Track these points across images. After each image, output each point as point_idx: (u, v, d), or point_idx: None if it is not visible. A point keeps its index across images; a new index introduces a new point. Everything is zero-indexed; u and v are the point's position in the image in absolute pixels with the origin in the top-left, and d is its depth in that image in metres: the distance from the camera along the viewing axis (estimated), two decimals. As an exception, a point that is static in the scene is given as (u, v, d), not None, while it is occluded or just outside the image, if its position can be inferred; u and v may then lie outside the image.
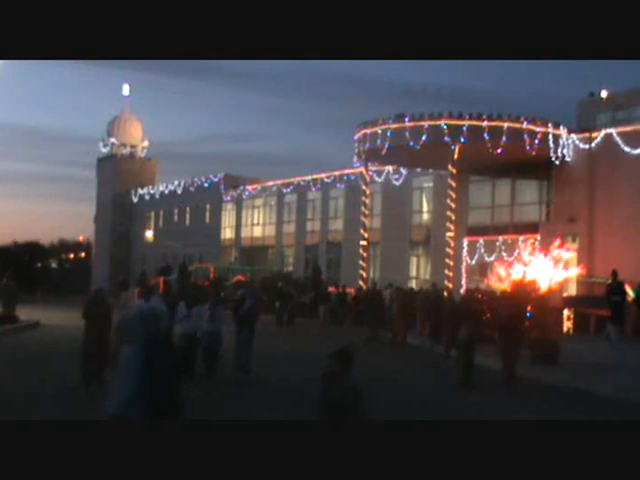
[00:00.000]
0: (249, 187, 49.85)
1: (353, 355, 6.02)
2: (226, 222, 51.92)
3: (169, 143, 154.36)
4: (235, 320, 14.83)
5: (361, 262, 33.96)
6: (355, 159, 33.19)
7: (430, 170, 35.93)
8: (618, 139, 28.20)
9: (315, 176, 44.38)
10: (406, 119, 29.52)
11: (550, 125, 29.25)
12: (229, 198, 51.27)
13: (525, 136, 28.54)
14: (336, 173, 42.87)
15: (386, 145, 29.96)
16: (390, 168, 38.50)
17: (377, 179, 38.94)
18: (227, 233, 51.81)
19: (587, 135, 29.75)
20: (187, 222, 55.62)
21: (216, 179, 52.55)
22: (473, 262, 33.35)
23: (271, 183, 48.12)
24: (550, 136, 29.18)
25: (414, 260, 38.61)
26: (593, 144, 29.28)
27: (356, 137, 32.00)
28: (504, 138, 28.13)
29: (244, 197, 50.08)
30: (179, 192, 55.95)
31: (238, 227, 50.70)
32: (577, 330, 25.58)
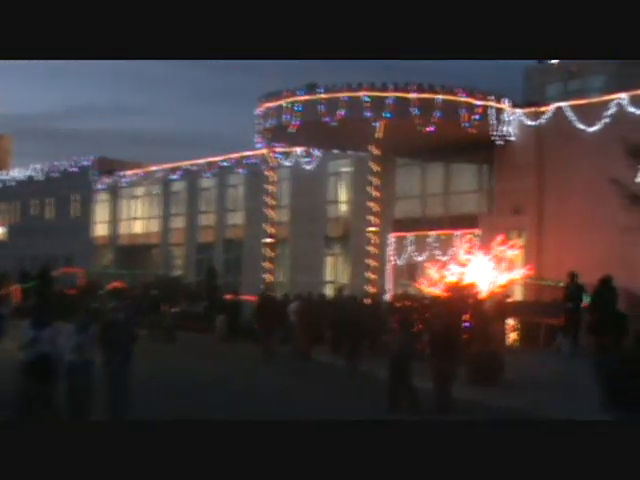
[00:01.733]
0: (128, 173, 49.09)
1: None
2: (99, 216, 51.02)
3: (26, 117, 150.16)
4: (102, 344, 13.31)
5: (266, 263, 33.71)
6: (257, 139, 32.91)
7: (349, 152, 35.98)
8: (571, 114, 28.79)
9: (209, 159, 43.98)
10: (319, 90, 29.45)
11: (491, 98, 29.66)
12: (103, 186, 50.37)
13: (462, 111, 28.87)
14: (235, 156, 42.58)
15: (295, 122, 29.80)
16: (300, 150, 38.39)
17: (285, 163, 38.78)
18: (100, 230, 50.93)
19: (535, 110, 30.31)
20: (49, 216, 54.36)
21: (86, 163, 51.52)
22: (400, 262, 33.57)
23: (155, 168, 47.49)
24: (491, 111, 29.61)
25: (330, 260, 38.65)
26: (542, 120, 29.83)
27: (258, 112, 31.73)
28: (437, 113, 28.38)
29: (122, 185, 49.27)
30: (38, 179, 54.62)
31: (114, 222, 49.88)
32: (524, 342, 26.01)
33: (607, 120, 27.50)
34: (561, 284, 24.85)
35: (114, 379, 13.29)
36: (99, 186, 50.73)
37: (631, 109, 26.81)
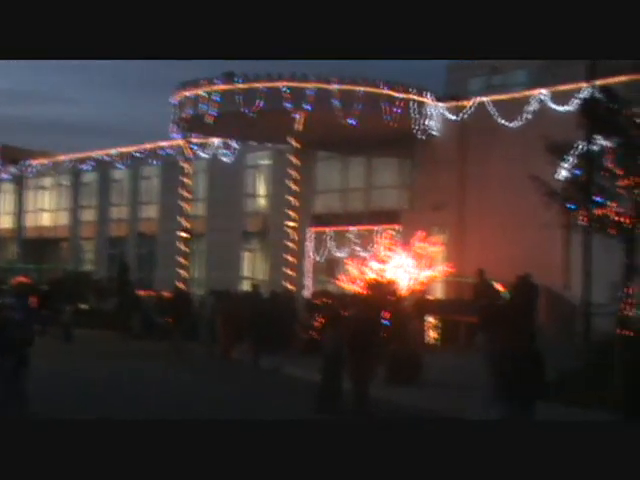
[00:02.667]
0: (34, 162, 48.32)
1: None
2: (3, 207, 50.21)
3: None
4: None
5: (180, 259, 33.56)
6: (173, 129, 32.73)
7: (268, 144, 36.00)
8: (493, 109, 29.31)
9: (122, 150, 43.50)
10: (237, 80, 29.41)
11: (413, 91, 30.00)
12: (7, 176, 49.52)
13: (383, 104, 29.14)
14: (149, 146, 42.21)
15: (212, 112, 29.71)
16: (218, 141, 38.26)
17: (201, 154, 38.61)
18: (5, 222, 50.14)
19: (457, 104, 30.74)
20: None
21: (-11, 151, 50.53)
22: (320, 258, 33.76)
23: (64, 158, 46.82)
24: (413, 104, 29.95)
25: (248, 256, 38.63)
26: (464, 115, 30.29)
27: (174, 101, 31.55)
28: (358, 106, 28.61)
29: (28, 175, 48.48)
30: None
31: (20, 214, 49.07)
32: (444, 341, 26.38)
33: (528, 116, 28.08)
34: (469, 280, 25.40)
35: (9, 384, 12.79)
36: (3, 176, 49.86)
37: (552, 105, 27.42)
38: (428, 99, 30.58)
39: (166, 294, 31.61)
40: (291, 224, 31.05)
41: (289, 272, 30.98)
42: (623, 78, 21.42)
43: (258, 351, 22.20)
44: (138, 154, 42.67)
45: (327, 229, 33.67)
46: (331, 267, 32.79)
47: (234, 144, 37.99)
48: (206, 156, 39.01)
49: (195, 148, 36.74)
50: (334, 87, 28.75)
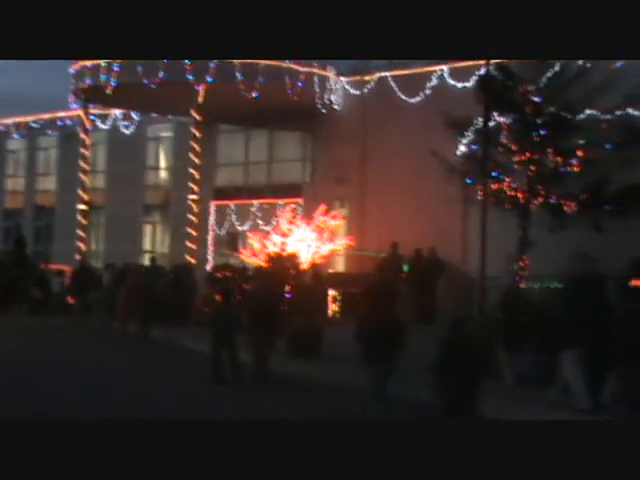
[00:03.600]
0: None
1: None
2: None
3: None
4: None
5: (80, 231, 33.28)
6: (71, 99, 32.33)
7: (169, 116, 35.85)
8: (394, 84, 29.78)
9: (18, 119, 42.68)
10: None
11: (315, 65, 30.22)
12: None
13: (286, 77, 29.31)
14: (46, 116, 41.51)
15: (112, 82, 29.47)
16: (118, 112, 37.91)
17: (101, 126, 38.21)
18: None
19: (359, 78, 31.10)
20: None
21: None
22: (222, 232, 33.90)
23: (-43, 127, 45.63)
24: (315, 78, 30.21)
25: (149, 229, 38.49)
26: (366, 89, 30.71)
27: (73, 71, 31.17)
28: (260, 79, 28.72)
29: None
30: None
31: None
32: (346, 314, 26.82)
33: (429, 92, 28.65)
34: (383, 255, 25.86)
35: None
36: None
37: (451, 82, 28.04)
38: (331, 73, 30.87)
39: (65, 268, 31.36)
40: (193, 197, 31.07)
41: (191, 245, 31.03)
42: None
43: (148, 324, 22.43)
44: (35, 124, 41.94)
45: (229, 202, 33.79)
46: (233, 240, 32.97)
47: (135, 115, 37.69)
48: (106, 127, 38.61)
49: (94, 119, 36.34)
50: (236, 60, 28.74)
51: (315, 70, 30.21)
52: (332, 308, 26.77)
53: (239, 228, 33.09)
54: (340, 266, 30.03)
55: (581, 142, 21.32)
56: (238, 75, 28.61)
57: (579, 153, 21.17)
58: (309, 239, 26.13)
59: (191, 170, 31.11)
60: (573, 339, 12.30)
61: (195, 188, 31.04)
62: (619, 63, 22.17)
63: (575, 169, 21.21)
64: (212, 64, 28.53)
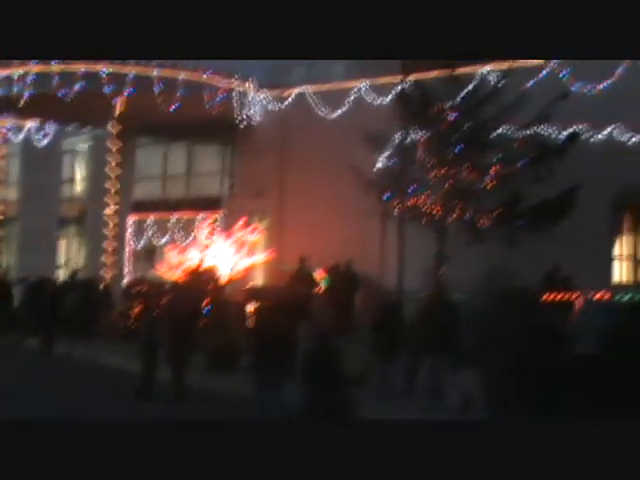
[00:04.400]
0: None
1: None
2: None
3: None
4: None
5: (-8, 245, 32.78)
6: (-17, 110, 31.91)
7: (86, 129, 35.54)
8: (313, 99, 30.07)
9: None
10: (53, 60, 28.91)
11: (236, 78, 30.35)
12: None
13: (205, 91, 29.36)
14: (-41, 127, 40.74)
15: (26, 93, 29.14)
16: (32, 124, 37.42)
17: (14, 137, 37.67)
18: None
19: (279, 93, 31.32)
20: None
21: None
22: (140, 246, 33.73)
23: None
24: (235, 92, 30.32)
25: (64, 242, 38.08)
26: (285, 103, 30.93)
27: (-15, 81, 30.74)
28: (179, 92, 28.71)
29: None
30: None
31: None
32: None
33: (348, 106, 29.00)
34: (292, 269, 26.15)
35: None
36: None
37: (370, 97, 28.43)
38: (251, 87, 31.01)
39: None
40: (110, 211, 30.86)
41: (107, 260, 30.81)
42: (434, 74, 22.58)
43: (51, 338, 22.33)
44: (-54, 135, 41.10)
45: (147, 216, 33.64)
46: (151, 255, 32.83)
47: (50, 128, 37.25)
48: (19, 139, 38.08)
49: (8, 130, 35.85)
50: (155, 72, 28.72)
51: (235, 84, 30.34)
52: (249, 322, 26.86)
53: (157, 242, 32.95)
54: (259, 280, 30.13)
55: (495, 158, 21.89)
56: (157, 88, 28.56)
57: (493, 169, 21.73)
58: (228, 253, 26.21)
59: (108, 183, 30.90)
60: (437, 347, 13.09)
61: (112, 201, 30.83)
62: (531, 82, 22.90)
63: (489, 185, 21.76)
64: (130, 76, 28.44)
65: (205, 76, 29.41)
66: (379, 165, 24.55)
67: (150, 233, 33.44)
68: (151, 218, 33.54)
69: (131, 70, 28.62)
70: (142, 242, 33.71)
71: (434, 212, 22.25)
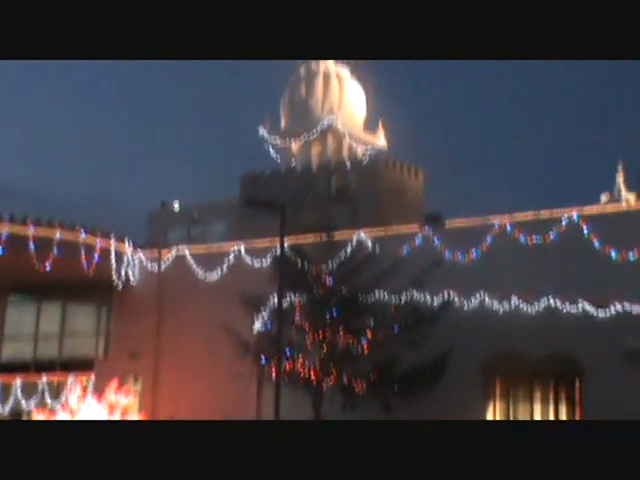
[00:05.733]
0: None
1: None
2: None
3: None
4: None
5: None
6: None
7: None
8: (191, 260, 30.22)
9: None
10: None
11: (113, 238, 30.26)
12: None
13: (82, 250, 29.13)
14: None
15: None
16: None
17: None
18: None
19: (157, 254, 31.35)
20: None
21: None
22: (5, 410, 32.45)
23: None
24: (112, 252, 30.18)
25: None
26: (163, 265, 30.95)
27: None
28: (55, 251, 28.41)
29: None
30: None
31: None
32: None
33: (225, 268, 29.22)
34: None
35: None
36: None
37: (247, 259, 28.75)
38: (128, 247, 30.96)
39: None
40: (-24, 371, 29.78)
41: (-29, 423, 29.51)
42: (310, 238, 23.12)
43: None
44: None
45: (15, 377, 32.52)
46: (17, 418, 31.61)
47: None
48: None
49: None
50: (30, 230, 28.43)
51: (112, 244, 30.24)
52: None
53: (24, 405, 31.79)
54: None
55: (370, 323, 22.26)
56: (32, 246, 28.21)
57: (368, 333, 22.06)
58: (99, 415, 25.49)
59: (-25, 343, 29.96)
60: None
61: (-21, 362, 29.82)
62: (405, 248, 23.66)
63: (365, 349, 22.03)
64: (3, 234, 28.03)
65: (82, 236, 29.26)
66: (256, 328, 24.65)
67: (18, 395, 32.28)
68: (19, 380, 32.43)
69: (5, 228, 28.24)
70: (9, 405, 32.46)
71: (311, 376, 22.31)
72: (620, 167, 49.07)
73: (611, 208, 27.13)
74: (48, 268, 28.45)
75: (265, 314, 23.85)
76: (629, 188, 46.99)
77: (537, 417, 23.11)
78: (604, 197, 45.31)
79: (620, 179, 48.31)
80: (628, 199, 42.38)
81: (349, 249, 22.79)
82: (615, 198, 44.23)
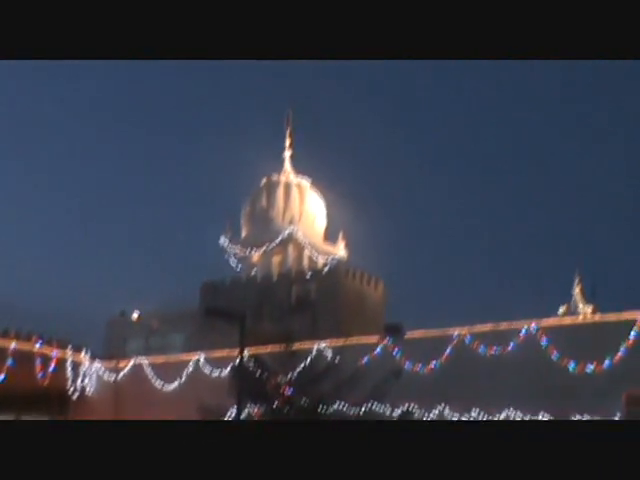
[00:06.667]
0: None
1: None
2: None
3: None
4: None
5: None
6: None
7: None
8: (149, 370, 29.92)
9: None
10: None
11: (70, 349, 30.00)
12: None
13: (37, 361, 28.81)
14: None
15: None
16: None
17: None
18: None
19: (114, 364, 31.05)
20: None
21: None
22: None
23: None
24: (68, 362, 29.86)
25: None
26: (121, 374, 30.60)
27: None
28: (9, 361, 28.06)
29: None
30: None
31: None
32: None
33: (184, 378, 28.94)
34: None
35: None
36: None
37: (206, 369, 28.53)
38: (85, 357, 30.67)
39: None
40: None
41: None
42: (270, 348, 23.00)
43: None
44: None
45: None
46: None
47: None
48: None
49: None
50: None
51: (69, 354, 29.94)
52: None
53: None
54: None
55: (330, 435, 22.00)
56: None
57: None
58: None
59: None
60: None
61: None
62: (365, 359, 23.60)
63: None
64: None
65: (37, 346, 28.98)
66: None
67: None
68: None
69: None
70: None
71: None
72: (576, 279, 49.70)
73: (569, 320, 27.37)
74: (1, 379, 28.06)
75: (223, 425, 23.48)
76: (586, 300, 47.49)
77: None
78: (562, 309, 45.71)
79: (577, 291, 48.87)
80: (585, 311, 42.79)
81: (309, 359, 22.67)
82: (572, 310, 44.66)
